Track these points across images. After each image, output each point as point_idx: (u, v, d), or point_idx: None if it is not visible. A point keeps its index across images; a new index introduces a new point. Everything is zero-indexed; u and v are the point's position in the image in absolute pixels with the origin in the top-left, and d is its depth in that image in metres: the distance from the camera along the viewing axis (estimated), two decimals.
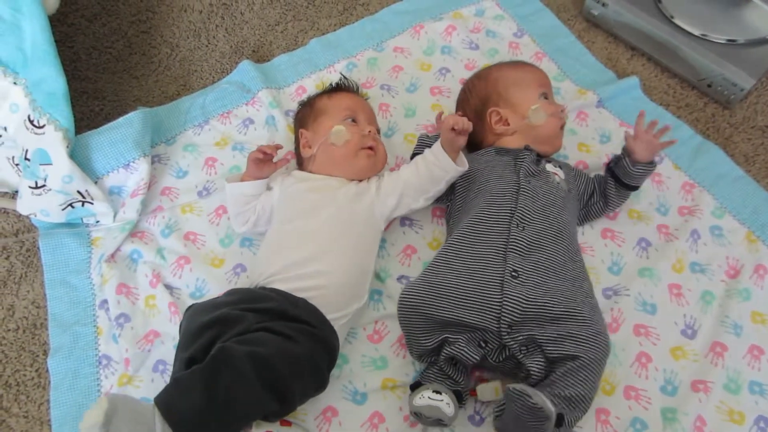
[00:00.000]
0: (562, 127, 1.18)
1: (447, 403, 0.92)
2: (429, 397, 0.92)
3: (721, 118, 1.40)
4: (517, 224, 1.02)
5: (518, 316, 0.94)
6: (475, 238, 1.03)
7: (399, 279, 1.15)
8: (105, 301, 1.12)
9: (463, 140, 1.06)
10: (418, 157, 1.12)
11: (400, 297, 1.01)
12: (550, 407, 0.84)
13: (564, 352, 0.91)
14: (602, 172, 1.19)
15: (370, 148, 1.13)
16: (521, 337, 0.94)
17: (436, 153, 1.08)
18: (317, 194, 1.09)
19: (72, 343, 1.09)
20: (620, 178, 1.13)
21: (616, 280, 1.15)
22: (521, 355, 0.94)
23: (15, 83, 1.12)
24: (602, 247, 1.18)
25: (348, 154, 1.12)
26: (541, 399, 0.84)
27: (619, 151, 1.18)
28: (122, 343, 1.08)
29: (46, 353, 1.09)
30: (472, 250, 1.02)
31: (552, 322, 0.94)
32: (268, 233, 1.12)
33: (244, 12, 1.59)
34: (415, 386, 0.98)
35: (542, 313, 0.94)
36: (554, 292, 0.96)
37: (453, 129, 1.04)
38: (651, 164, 1.12)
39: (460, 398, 0.96)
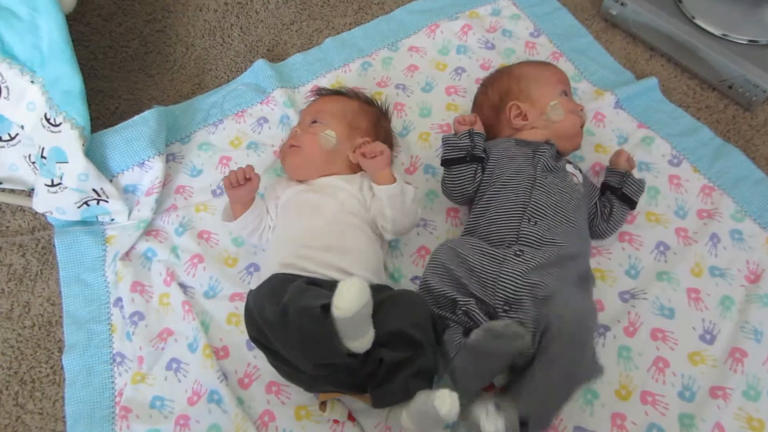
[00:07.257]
0: (581, 126, 1.16)
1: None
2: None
3: (742, 120, 1.37)
4: (529, 219, 1.02)
5: (512, 292, 0.94)
6: (488, 228, 1.04)
7: (413, 279, 1.14)
8: (119, 299, 1.12)
9: (378, 161, 1.06)
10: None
11: (437, 249, 1.02)
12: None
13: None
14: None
15: (291, 145, 1.15)
16: (516, 318, 0.93)
17: (374, 190, 1.08)
18: (315, 194, 1.10)
19: (86, 341, 1.09)
20: (626, 194, 1.14)
21: (634, 284, 1.13)
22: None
23: (32, 82, 1.12)
24: (620, 250, 1.17)
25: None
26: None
27: (636, 153, 1.17)
28: (136, 340, 1.08)
29: (61, 350, 1.09)
30: (485, 240, 1.02)
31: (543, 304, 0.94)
32: (276, 234, 1.11)
33: (259, 11, 1.59)
34: None
35: (536, 292, 0.94)
36: (552, 277, 0.96)
37: (363, 155, 1.07)
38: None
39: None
